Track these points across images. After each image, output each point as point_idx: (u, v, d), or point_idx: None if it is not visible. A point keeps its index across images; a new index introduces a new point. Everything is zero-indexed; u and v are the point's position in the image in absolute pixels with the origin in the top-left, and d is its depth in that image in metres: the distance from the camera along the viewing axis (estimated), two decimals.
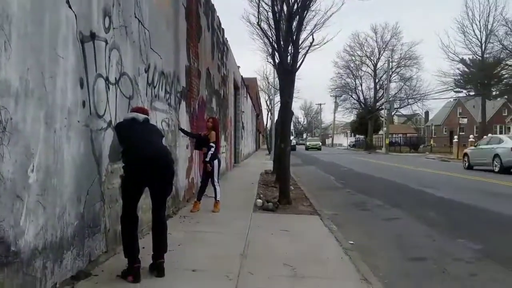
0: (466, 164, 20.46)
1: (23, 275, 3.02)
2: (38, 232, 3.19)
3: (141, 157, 3.95)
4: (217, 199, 7.76)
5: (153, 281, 3.91)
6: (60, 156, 3.50)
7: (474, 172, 18.26)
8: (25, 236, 3.02)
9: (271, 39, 11.11)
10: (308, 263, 4.66)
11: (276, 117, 20.90)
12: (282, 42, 9.51)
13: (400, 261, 5.25)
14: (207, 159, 7.63)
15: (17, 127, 2.90)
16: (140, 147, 4.01)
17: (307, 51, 9.69)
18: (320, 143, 60.94)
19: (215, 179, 7.76)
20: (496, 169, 17.85)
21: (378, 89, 56.33)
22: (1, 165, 2.75)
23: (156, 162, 3.99)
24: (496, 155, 17.99)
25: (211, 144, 7.62)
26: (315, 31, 11.37)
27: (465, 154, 21.13)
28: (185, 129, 7.99)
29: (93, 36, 4.09)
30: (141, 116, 4.25)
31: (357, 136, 65.91)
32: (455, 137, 35.29)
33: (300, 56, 9.29)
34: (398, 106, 53.39)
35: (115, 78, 4.67)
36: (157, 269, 4.04)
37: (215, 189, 7.75)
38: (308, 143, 59.40)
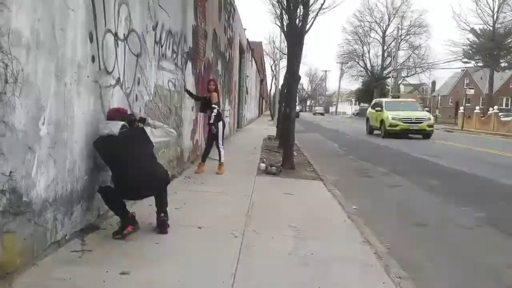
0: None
1: (35, 225, 3.09)
2: (49, 184, 3.24)
3: (129, 185, 3.81)
4: (221, 161, 7.81)
5: (160, 237, 3.98)
6: (70, 111, 3.50)
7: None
8: (36, 188, 3.08)
9: None
10: (311, 225, 4.74)
11: (281, 82, 20.75)
12: (291, 3, 9.28)
13: (402, 226, 5.34)
14: (211, 121, 7.62)
15: (28, 78, 2.89)
16: (127, 174, 3.78)
17: (317, 13, 9.42)
18: None
19: (220, 141, 7.79)
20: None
21: (386, 56, 55.68)
22: (13, 116, 2.76)
23: (146, 188, 3.94)
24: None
25: (213, 105, 7.59)
26: None
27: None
28: (190, 91, 7.94)
29: None
30: (117, 126, 3.85)
31: (361, 104, 65.44)
32: (461, 108, 35.03)
33: (309, 18, 9.09)
34: (406, 75, 52.74)
35: (124, 34, 4.60)
36: (159, 225, 4.08)
37: (219, 151, 7.79)
38: None
